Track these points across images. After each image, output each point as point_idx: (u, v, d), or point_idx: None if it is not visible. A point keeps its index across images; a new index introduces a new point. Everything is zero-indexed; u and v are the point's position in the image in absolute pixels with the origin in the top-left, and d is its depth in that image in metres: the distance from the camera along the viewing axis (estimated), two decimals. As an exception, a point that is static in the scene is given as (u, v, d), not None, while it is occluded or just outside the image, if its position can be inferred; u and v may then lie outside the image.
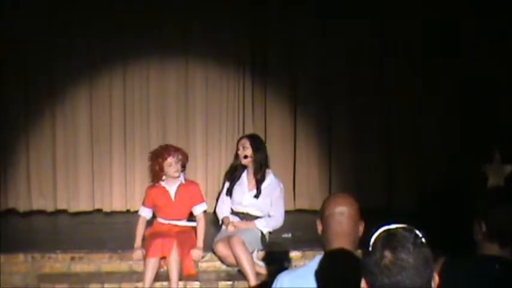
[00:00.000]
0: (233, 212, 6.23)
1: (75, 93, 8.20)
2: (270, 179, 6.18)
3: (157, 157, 5.95)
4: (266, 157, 6.26)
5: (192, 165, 7.63)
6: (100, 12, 8.12)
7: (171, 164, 5.94)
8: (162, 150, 6.02)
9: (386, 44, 8.32)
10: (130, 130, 8.27)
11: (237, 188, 6.22)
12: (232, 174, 6.28)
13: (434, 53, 8.17)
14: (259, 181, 6.15)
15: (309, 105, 8.34)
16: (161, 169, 5.94)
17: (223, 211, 6.26)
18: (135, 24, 8.13)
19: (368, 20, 8.24)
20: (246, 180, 6.22)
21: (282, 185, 6.32)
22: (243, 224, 6.11)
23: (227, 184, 6.32)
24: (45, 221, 7.94)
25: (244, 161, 6.17)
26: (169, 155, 5.96)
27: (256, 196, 6.13)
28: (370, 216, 2.84)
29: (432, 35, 8.12)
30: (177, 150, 6.05)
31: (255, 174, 6.15)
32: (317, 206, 2.94)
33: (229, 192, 6.25)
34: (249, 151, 6.15)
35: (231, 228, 6.06)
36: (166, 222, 6.04)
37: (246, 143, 6.20)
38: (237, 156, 6.26)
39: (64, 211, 8.18)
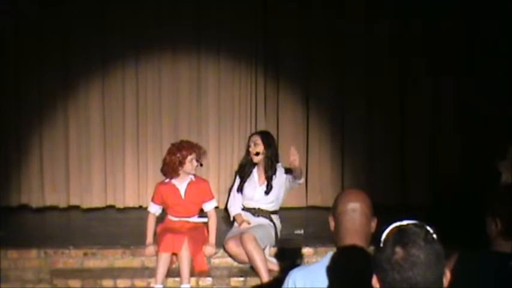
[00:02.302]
0: (244, 208, 6.24)
1: (88, 90, 8.23)
2: (279, 172, 6.20)
3: (180, 150, 5.92)
4: (277, 152, 6.28)
5: (204, 162, 7.64)
6: (114, 9, 8.16)
7: (192, 160, 5.94)
8: (187, 144, 6.00)
9: (402, 44, 8.28)
10: (143, 126, 8.28)
11: (248, 184, 6.23)
12: (243, 171, 6.29)
13: (449, 52, 8.14)
14: (270, 178, 6.16)
15: (321, 101, 8.32)
16: (181, 163, 5.92)
17: (235, 208, 6.27)
18: (148, 20, 8.15)
19: (386, 19, 8.21)
20: (256, 175, 6.24)
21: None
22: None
23: (238, 180, 6.33)
24: (58, 217, 7.97)
25: (255, 159, 6.17)
26: (194, 151, 5.95)
27: (267, 192, 6.14)
28: (383, 213, 2.82)
29: (448, 33, 8.10)
30: (200, 147, 6.06)
31: (266, 170, 6.16)
32: (329, 203, 2.93)
33: (240, 189, 6.26)
34: (260, 147, 6.15)
35: (244, 226, 6.06)
36: (177, 219, 6.04)
37: (258, 139, 6.19)
38: (248, 152, 6.27)
39: (77, 207, 8.22)
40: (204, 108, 8.32)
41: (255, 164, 6.23)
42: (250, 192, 6.21)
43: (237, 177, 6.38)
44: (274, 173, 6.17)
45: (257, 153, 6.15)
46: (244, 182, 6.25)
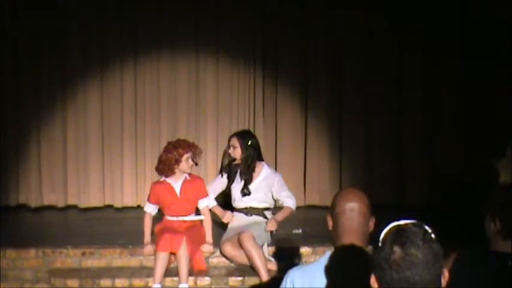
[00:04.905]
0: (235, 209, 6.23)
1: (86, 89, 8.23)
2: (265, 172, 6.19)
3: (177, 148, 5.90)
4: (259, 151, 6.25)
5: (202, 161, 7.64)
6: (112, 8, 8.15)
7: (188, 159, 5.93)
8: (183, 143, 5.99)
9: (400, 42, 8.27)
10: (141, 125, 8.28)
11: (234, 185, 6.22)
12: (230, 171, 6.25)
13: (450, 51, 8.14)
14: (248, 181, 6.14)
15: (320, 101, 8.32)
16: (177, 162, 5.91)
17: (212, 200, 6.20)
18: (147, 19, 8.15)
19: (385, 19, 8.21)
20: (239, 175, 6.22)
21: (279, 174, 6.36)
22: (280, 215, 6.15)
23: (225, 181, 6.27)
24: (56, 217, 7.97)
25: (236, 160, 6.16)
26: (190, 150, 5.95)
27: (244, 194, 6.13)
28: (381, 212, 2.81)
29: (451, 33, 8.10)
30: (196, 147, 6.06)
31: (243, 174, 6.15)
32: (328, 202, 2.93)
33: (229, 189, 6.25)
34: (238, 151, 6.13)
35: (228, 218, 6.07)
36: (175, 219, 6.03)
37: (236, 142, 6.16)
38: (226, 154, 6.24)
39: (75, 206, 8.22)
40: (203, 109, 8.31)
41: (237, 165, 6.22)
42: (237, 194, 6.21)
43: (222, 176, 6.31)
44: (252, 176, 6.14)
45: (234, 159, 6.15)
46: (232, 182, 6.23)
